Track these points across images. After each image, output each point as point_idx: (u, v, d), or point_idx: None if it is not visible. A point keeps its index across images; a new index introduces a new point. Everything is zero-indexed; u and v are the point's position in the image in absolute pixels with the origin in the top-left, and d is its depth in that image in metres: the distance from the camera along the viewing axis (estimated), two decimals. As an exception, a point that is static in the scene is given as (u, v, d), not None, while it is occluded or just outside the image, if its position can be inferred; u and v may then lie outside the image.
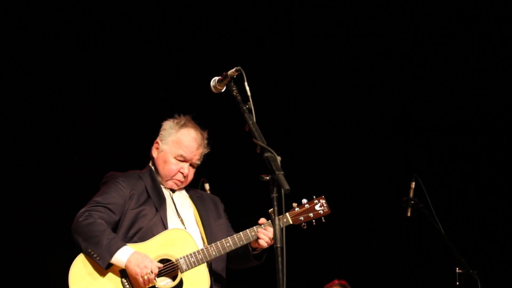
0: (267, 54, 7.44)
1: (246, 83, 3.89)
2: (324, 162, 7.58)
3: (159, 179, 4.91)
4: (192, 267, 4.64)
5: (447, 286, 6.16)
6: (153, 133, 5.01)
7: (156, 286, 4.60)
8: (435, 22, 7.53)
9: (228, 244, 4.68)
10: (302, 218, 4.80)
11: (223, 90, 4.08)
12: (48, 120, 6.84)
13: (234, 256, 4.85)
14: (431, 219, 5.96)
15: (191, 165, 4.90)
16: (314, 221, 4.82)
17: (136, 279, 4.57)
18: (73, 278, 4.64)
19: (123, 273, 4.62)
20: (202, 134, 4.93)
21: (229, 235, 4.78)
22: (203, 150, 4.92)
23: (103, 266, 4.59)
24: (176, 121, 4.95)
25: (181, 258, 4.64)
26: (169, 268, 4.65)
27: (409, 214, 6.06)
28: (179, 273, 4.64)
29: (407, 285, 7.50)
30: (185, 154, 4.86)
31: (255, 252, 4.78)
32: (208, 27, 7.34)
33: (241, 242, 4.70)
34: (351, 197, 7.51)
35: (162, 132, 4.95)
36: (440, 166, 7.54)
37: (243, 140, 3.85)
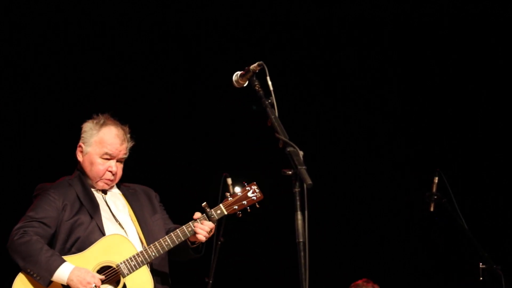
0: (288, 49, 7.44)
1: (268, 78, 3.87)
2: (347, 158, 7.57)
3: (89, 182, 4.89)
4: (133, 271, 4.65)
5: (470, 281, 6.13)
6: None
7: None
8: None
9: (166, 243, 4.70)
10: (236, 207, 4.80)
11: (245, 85, 4.06)
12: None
13: (174, 251, 4.85)
14: (454, 214, 5.94)
15: (118, 161, 4.87)
16: (248, 208, 4.83)
17: None
18: None
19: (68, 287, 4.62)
20: (123, 129, 4.91)
21: (166, 229, 4.84)
22: (127, 145, 4.90)
23: (44, 285, 4.59)
24: (95, 121, 4.91)
25: (121, 263, 4.65)
26: (111, 275, 4.66)
27: (432, 209, 6.03)
28: (121, 278, 4.65)
29: (430, 281, 7.47)
30: (110, 152, 4.83)
31: (194, 246, 4.81)
32: (228, 21, 7.34)
33: (179, 239, 4.72)
34: (375, 192, 7.49)
35: (83, 135, 4.91)
36: (464, 161, 7.50)
37: (266, 135, 3.84)
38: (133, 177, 5.08)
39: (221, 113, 7.23)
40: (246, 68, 4.01)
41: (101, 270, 4.66)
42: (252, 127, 5.70)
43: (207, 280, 5.99)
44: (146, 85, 7.21)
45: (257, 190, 4.85)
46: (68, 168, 5.00)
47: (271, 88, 3.85)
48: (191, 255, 4.87)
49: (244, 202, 4.82)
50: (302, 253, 3.59)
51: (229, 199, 4.81)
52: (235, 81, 4.09)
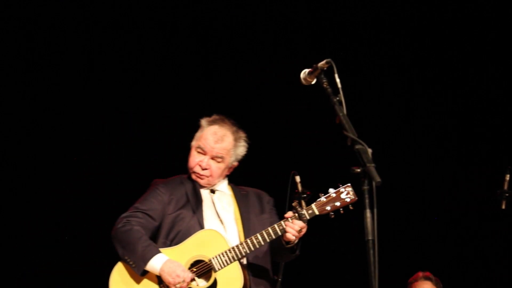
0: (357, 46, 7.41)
1: (336, 75, 3.87)
2: (416, 155, 7.50)
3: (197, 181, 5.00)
4: (224, 266, 4.70)
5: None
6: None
7: None
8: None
9: (257, 240, 4.71)
10: (329, 208, 4.76)
11: (313, 82, 4.06)
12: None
13: (273, 251, 4.90)
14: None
15: (213, 159, 4.94)
16: (341, 209, 4.77)
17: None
18: (114, 284, 4.78)
19: (160, 278, 4.73)
20: (230, 132, 4.99)
21: None
22: (226, 146, 4.96)
23: (138, 273, 4.72)
24: (208, 119, 5.05)
25: (213, 258, 4.71)
26: (203, 269, 4.73)
27: (503, 207, 5.95)
28: (213, 272, 4.71)
29: (500, 280, 7.36)
30: (202, 146, 4.93)
31: (288, 246, 4.79)
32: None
33: (270, 237, 4.72)
34: (445, 190, 7.42)
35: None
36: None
37: (334, 133, 3.83)
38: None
39: (288, 110, 7.24)
40: (314, 65, 4.01)
41: (194, 264, 4.74)
42: (321, 124, 5.70)
43: (276, 278, 6.01)
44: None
45: (351, 192, 4.79)
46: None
47: (339, 85, 3.84)
48: (287, 255, 4.89)
49: (338, 203, 4.77)
50: (371, 251, 3.58)
51: (321, 199, 4.78)
52: (303, 78, 4.10)
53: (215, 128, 4.98)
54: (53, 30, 6.99)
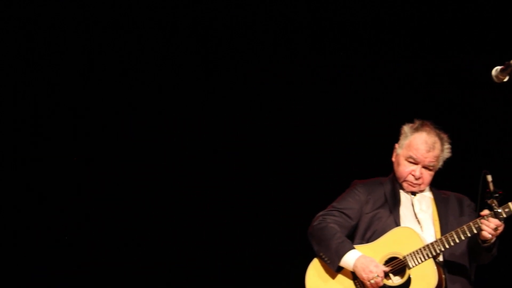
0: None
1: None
2: None
3: (398, 183, 5.05)
4: (419, 263, 4.74)
5: None
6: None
7: (385, 284, 4.75)
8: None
9: (452, 238, 4.73)
10: None
11: (505, 80, 4.02)
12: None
13: (470, 251, 4.89)
14: None
15: (425, 167, 4.98)
16: None
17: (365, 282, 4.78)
18: (310, 279, 4.93)
19: (355, 274, 4.82)
20: (438, 138, 5.01)
21: None
22: (437, 153, 4.99)
23: (333, 269, 4.85)
24: (411, 125, 5.08)
25: (407, 255, 4.76)
26: (397, 266, 4.79)
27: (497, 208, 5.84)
28: (407, 269, 4.76)
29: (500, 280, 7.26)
30: (414, 156, 4.97)
31: (485, 245, 4.76)
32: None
33: (465, 235, 4.72)
34: None
35: (400, 137, 5.10)
36: None
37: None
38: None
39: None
40: (506, 62, 3.94)
41: (388, 261, 4.82)
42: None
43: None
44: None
45: None
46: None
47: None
48: (484, 255, 4.88)
49: None
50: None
51: None
52: (495, 76, 4.06)
53: (424, 137, 5.00)
54: (53, 30, 6.98)
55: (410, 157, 4.97)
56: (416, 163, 4.98)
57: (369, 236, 4.93)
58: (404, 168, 4.99)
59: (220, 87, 7.16)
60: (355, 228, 4.99)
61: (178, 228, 7.00)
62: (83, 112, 7.07)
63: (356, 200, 5.02)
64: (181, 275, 6.98)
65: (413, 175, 4.98)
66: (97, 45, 7.10)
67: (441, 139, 5.03)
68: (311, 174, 6.91)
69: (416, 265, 4.75)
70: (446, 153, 5.05)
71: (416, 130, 5.03)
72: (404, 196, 5.04)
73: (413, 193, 5.05)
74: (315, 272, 4.93)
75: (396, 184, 5.04)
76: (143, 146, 7.12)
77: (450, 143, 5.08)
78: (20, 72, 7.05)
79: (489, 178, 5.36)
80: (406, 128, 5.07)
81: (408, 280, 4.75)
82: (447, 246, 4.74)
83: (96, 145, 7.06)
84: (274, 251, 6.85)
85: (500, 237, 4.89)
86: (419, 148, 4.96)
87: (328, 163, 6.90)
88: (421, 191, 5.05)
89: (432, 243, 4.75)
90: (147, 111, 7.13)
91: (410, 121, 5.12)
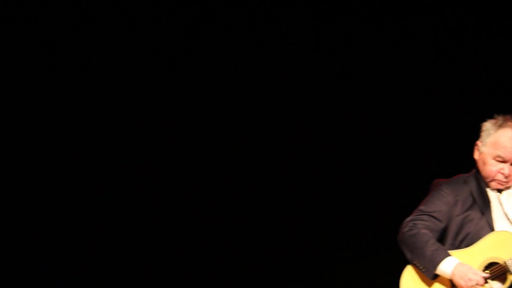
0: None
1: None
2: None
3: (484, 180, 4.92)
4: None
5: None
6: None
7: None
8: None
9: None
10: None
11: None
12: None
13: None
14: None
15: None
16: None
17: None
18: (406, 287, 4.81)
19: (452, 281, 4.70)
20: None
21: None
22: None
23: (429, 277, 4.71)
24: (494, 122, 4.91)
25: (509, 260, 4.64)
26: (497, 272, 4.67)
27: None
28: (508, 275, 4.64)
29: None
30: (502, 155, 4.82)
31: None
32: None
33: None
34: None
35: (482, 134, 4.93)
36: None
37: None
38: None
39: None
40: None
41: (488, 266, 4.70)
42: None
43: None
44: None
45: None
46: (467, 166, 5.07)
47: None
48: None
49: None
50: None
51: None
52: None
53: (509, 133, 4.83)
54: (53, 30, 6.98)
55: (498, 156, 4.82)
56: (504, 161, 4.83)
57: (461, 238, 4.78)
58: (492, 167, 4.84)
59: (220, 87, 7.16)
60: (445, 231, 4.84)
61: (178, 228, 7.00)
62: (83, 112, 7.08)
63: (443, 202, 4.85)
64: (181, 275, 6.97)
65: (502, 173, 4.83)
66: (97, 45, 7.10)
67: None
68: (311, 174, 6.91)
69: None
70: None
71: (500, 126, 4.86)
72: (492, 195, 4.89)
73: (499, 190, 4.91)
74: (411, 280, 4.79)
75: (481, 182, 4.90)
76: (143, 146, 7.12)
77: None
78: (20, 72, 7.04)
79: None
80: (488, 125, 4.91)
81: (511, 287, 4.64)
82: None
83: (96, 145, 7.07)
84: (274, 251, 6.85)
85: None
86: (507, 146, 4.81)
87: (328, 163, 6.90)
88: (509, 188, 4.91)
89: None
90: (147, 111, 7.13)
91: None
